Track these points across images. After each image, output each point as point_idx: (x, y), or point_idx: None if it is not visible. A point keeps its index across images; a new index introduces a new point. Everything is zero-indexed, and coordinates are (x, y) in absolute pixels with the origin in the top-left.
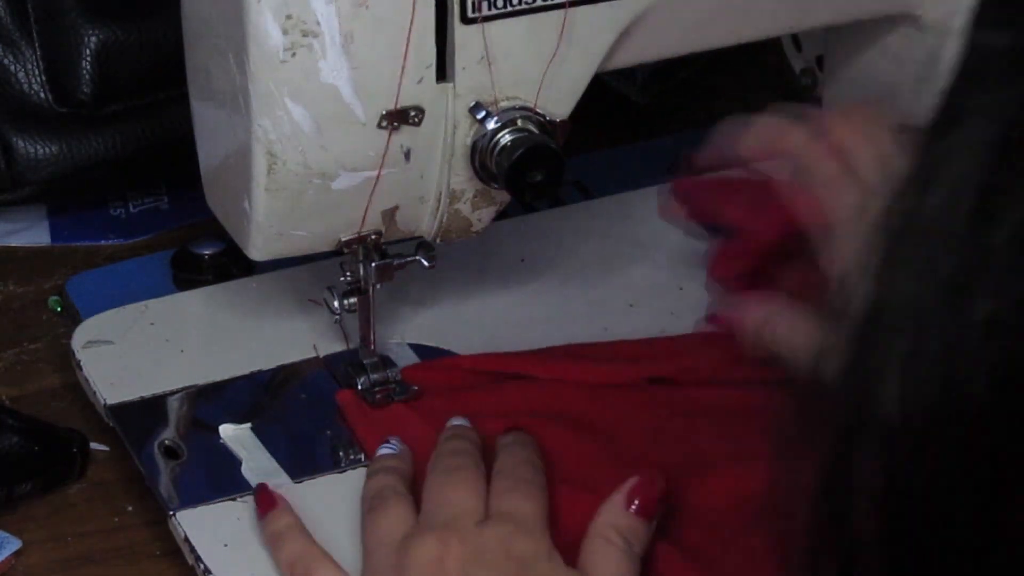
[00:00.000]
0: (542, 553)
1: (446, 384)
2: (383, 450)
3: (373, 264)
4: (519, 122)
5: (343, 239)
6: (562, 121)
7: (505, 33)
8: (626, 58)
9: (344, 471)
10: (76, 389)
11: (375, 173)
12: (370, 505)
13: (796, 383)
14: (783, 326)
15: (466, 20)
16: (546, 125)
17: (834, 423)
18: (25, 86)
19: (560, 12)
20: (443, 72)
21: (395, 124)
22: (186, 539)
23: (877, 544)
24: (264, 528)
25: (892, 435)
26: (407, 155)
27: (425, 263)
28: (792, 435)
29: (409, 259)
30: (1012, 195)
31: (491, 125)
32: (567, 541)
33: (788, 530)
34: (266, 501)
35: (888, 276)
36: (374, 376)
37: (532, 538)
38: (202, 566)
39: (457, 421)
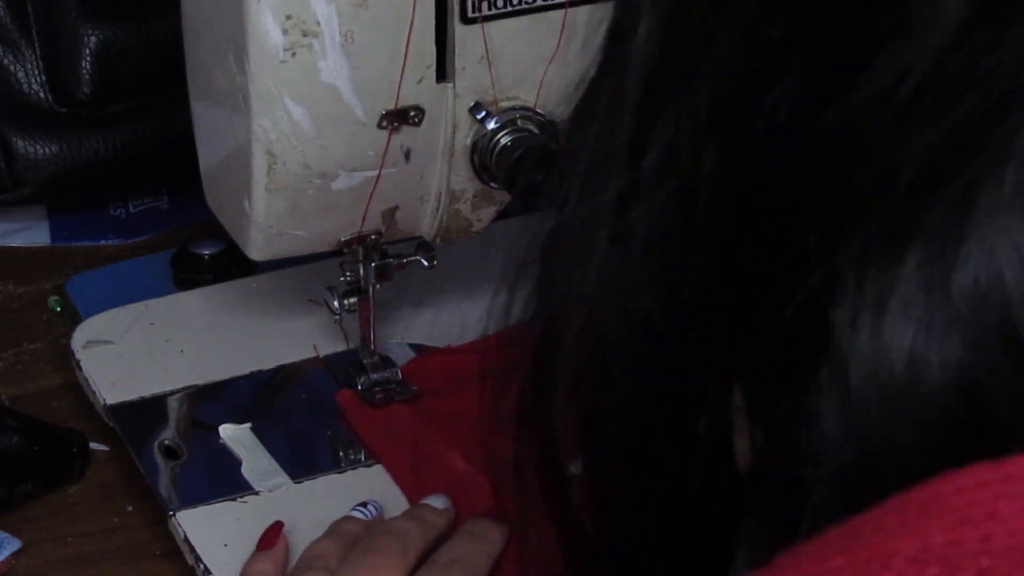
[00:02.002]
0: None
1: (444, 377)
2: (354, 513)
3: (373, 264)
4: (519, 122)
5: (343, 239)
6: (562, 121)
7: (505, 33)
8: None
9: (344, 471)
10: (76, 389)
11: (375, 173)
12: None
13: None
14: None
15: (466, 20)
16: (546, 125)
17: (530, 343)
18: (25, 86)
19: (560, 12)
20: (443, 72)
21: (395, 124)
22: (186, 539)
23: (575, 442)
24: (248, 563)
25: (576, 352)
26: (407, 155)
27: (425, 263)
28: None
29: (409, 259)
30: (660, 122)
31: (491, 125)
32: None
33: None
34: (268, 538)
35: (559, 204)
36: (374, 376)
37: None
38: (202, 566)
39: (431, 500)
